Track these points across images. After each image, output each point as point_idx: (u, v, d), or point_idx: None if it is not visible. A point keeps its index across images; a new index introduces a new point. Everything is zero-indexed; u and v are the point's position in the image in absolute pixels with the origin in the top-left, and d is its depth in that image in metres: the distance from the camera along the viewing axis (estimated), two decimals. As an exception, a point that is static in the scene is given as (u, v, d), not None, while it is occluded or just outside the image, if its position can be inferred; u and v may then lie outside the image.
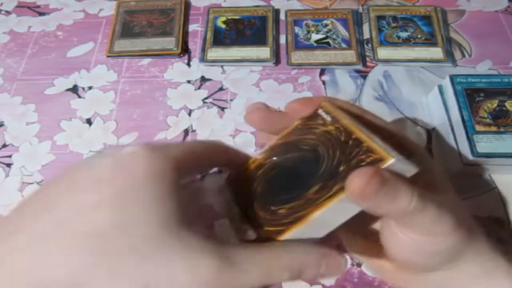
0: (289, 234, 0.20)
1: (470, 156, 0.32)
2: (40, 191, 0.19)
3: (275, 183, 0.22)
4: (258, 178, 0.23)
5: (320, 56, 0.42)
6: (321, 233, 0.20)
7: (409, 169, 0.19)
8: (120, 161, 0.18)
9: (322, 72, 0.42)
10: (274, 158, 0.23)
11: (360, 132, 0.20)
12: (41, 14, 0.48)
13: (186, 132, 0.38)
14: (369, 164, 0.19)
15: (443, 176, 0.23)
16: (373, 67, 0.42)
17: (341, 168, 0.20)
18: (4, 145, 0.38)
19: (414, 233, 0.20)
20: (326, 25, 0.45)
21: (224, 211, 0.23)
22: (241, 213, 0.22)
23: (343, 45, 0.43)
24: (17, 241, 0.17)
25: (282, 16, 0.46)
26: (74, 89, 0.41)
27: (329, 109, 0.23)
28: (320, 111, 0.23)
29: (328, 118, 0.22)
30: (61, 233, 0.17)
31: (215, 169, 0.25)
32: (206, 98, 0.40)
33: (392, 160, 0.18)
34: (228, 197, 0.23)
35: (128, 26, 0.46)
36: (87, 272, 0.16)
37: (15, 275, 0.16)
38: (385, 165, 0.18)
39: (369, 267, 0.30)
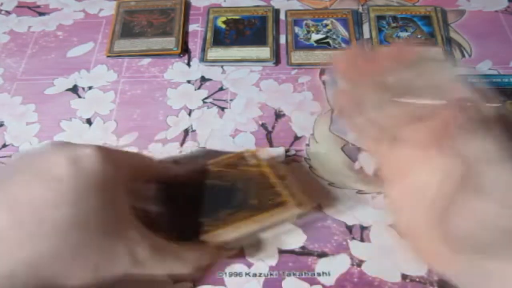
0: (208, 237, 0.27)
1: (470, 156, 0.32)
2: None
3: (200, 201, 0.28)
4: (187, 193, 0.29)
5: (320, 56, 0.42)
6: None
7: (298, 213, 0.29)
8: (77, 162, 0.21)
9: (322, 72, 0.42)
10: (206, 181, 0.30)
11: (275, 178, 0.29)
12: (41, 14, 0.48)
13: (186, 132, 0.38)
14: (275, 204, 0.27)
15: None
16: (373, 67, 0.42)
17: (252, 202, 0.28)
18: (4, 145, 0.38)
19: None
20: (326, 25, 0.45)
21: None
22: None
23: (343, 45, 0.43)
24: None
25: (282, 16, 0.46)
26: (74, 89, 0.41)
27: (254, 155, 0.31)
28: (246, 155, 0.31)
29: (252, 161, 0.30)
30: (22, 230, 0.20)
31: None
32: (206, 98, 0.40)
33: (292, 204, 0.28)
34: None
35: (128, 26, 0.46)
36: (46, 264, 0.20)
37: None
38: (288, 207, 0.28)
39: (423, 255, 0.26)
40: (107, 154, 0.23)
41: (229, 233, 0.28)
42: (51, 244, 0.20)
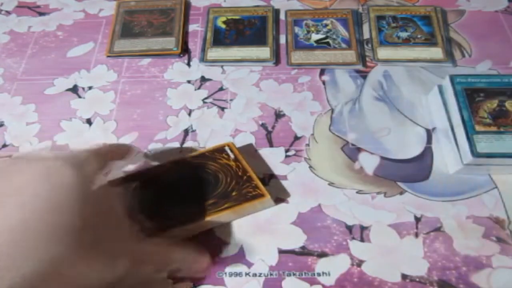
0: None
1: (470, 156, 0.32)
2: None
3: (179, 191, 0.31)
4: (166, 184, 0.32)
5: (320, 56, 0.42)
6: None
7: (272, 204, 0.32)
8: (51, 171, 0.22)
9: (322, 72, 0.42)
10: (181, 172, 0.32)
11: (252, 173, 0.32)
12: (41, 14, 0.48)
13: (186, 132, 0.38)
14: (253, 196, 0.31)
15: None
16: (373, 67, 0.42)
17: (233, 193, 0.31)
18: (4, 145, 0.38)
19: None
20: (326, 25, 0.45)
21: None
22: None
23: (343, 45, 0.43)
24: None
25: (282, 16, 0.46)
26: (74, 89, 0.41)
27: (233, 149, 0.33)
28: (226, 148, 0.33)
29: (232, 156, 0.32)
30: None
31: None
32: (206, 98, 0.40)
33: (268, 197, 0.31)
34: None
35: (128, 26, 0.46)
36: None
37: None
38: (264, 199, 0.31)
39: None
40: (75, 164, 0.24)
41: (211, 223, 0.30)
42: (57, 248, 0.20)
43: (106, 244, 0.23)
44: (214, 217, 0.30)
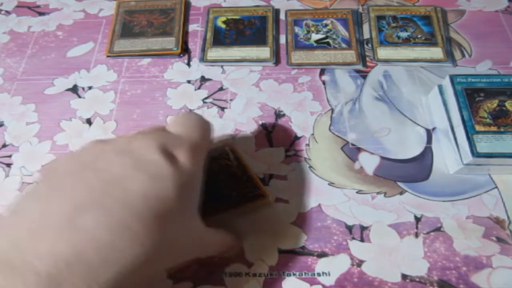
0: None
1: (470, 156, 0.32)
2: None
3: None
4: None
5: (320, 56, 0.42)
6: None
7: (270, 203, 0.32)
8: (140, 165, 0.22)
9: (322, 72, 0.42)
10: None
11: (253, 173, 0.32)
12: (41, 14, 0.48)
13: (186, 132, 0.38)
14: (253, 196, 0.31)
15: None
16: (373, 67, 0.42)
17: (234, 194, 0.31)
18: (4, 145, 0.38)
19: None
20: (326, 25, 0.45)
21: None
22: None
23: (343, 45, 0.43)
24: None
25: (282, 16, 0.46)
26: (74, 89, 0.41)
27: (234, 150, 0.33)
28: (227, 148, 0.33)
29: (232, 157, 0.32)
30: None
31: None
32: (206, 98, 0.40)
33: (268, 198, 0.31)
34: None
35: (128, 26, 0.46)
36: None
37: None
38: (264, 200, 0.31)
39: None
40: (194, 154, 0.24)
41: (216, 221, 0.30)
42: (162, 231, 0.21)
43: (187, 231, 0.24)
44: (214, 218, 0.30)
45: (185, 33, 0.45)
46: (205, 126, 0.27)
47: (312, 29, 0.45)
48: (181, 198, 0.22)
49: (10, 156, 0.37)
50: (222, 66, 0.42)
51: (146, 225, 0.20)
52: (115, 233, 0.19)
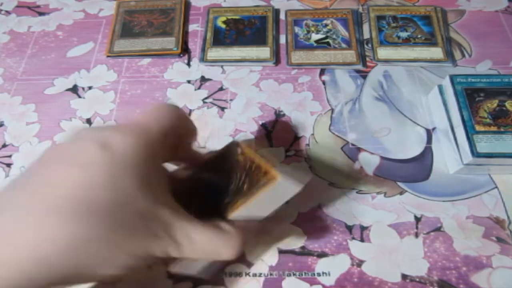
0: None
1: (470, 156, 0.32)
2: (35, 168, 0.22)
3: (204, 192, 0.29)
4: (195, 184, 0.30)
5: (320, 56, 0.42)
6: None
7: (296, 184, 0.26)
8: (106, 146, 0.21)
9: (322, 72, 0.42)
10: (204, 174, 0.30)
11: (260, 160, 0.28)
12: (41, 14, 0.48)
13: (186, 132, 0.38)
14: (265, 183, 0.26)
15: None
16: (373, 67, 0.42)
17: (245, 187, 0.28)
18: (4, 145, 0.38)
19: None
20: (326, 25, 0.45)
21: None
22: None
23: (343, 45, 0.43)
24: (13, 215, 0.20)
25: (282, 16, 0.46)
26: (74, 89, 0.41)
27: (239, 145, 0.30)
28: (233, 145, 0.30)
29: (238, 151, 0.30)
30: (57, 215, 0.19)
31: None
32: (206, 98, 0.40)
33: (279, 179, 0.25)
34: None
35: (128, 26, 0.46)
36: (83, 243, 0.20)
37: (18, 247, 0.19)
38: (275, 182, 0.26)
39: None
40: (138, 136, 0.22)
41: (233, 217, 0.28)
42: (87, 227, 0.20)
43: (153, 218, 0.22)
44: (231, 216, 0.27)
45: (185, 33, 0.45)
46: (161, 110, 0.25)
47: (312, 29, 0.45)
48: (117, 180, 0.21)
49: (10, 156, 0.37)
50: (222, 66, 0.43)
51: (67, 216, 0.20)
52: (36, 231, 0.19)
